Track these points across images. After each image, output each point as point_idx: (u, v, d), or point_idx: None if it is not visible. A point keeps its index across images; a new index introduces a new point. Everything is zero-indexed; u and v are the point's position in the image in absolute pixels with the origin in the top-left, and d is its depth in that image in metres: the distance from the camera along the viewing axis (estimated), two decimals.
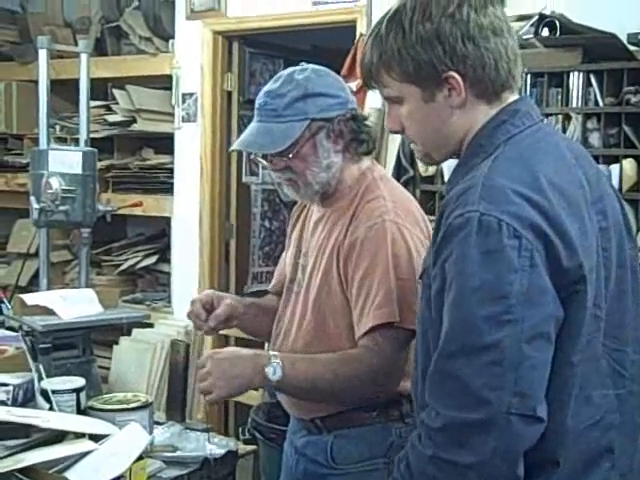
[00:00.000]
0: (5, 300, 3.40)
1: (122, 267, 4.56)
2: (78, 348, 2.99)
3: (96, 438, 1.69)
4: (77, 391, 1.93)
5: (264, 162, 1.86)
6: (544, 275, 1.17)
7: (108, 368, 3.85)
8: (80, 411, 1.92)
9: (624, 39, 2.87)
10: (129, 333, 4.00)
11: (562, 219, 1.19)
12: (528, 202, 1.18)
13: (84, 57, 3.70)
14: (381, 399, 1.79)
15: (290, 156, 1.77)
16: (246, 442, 2.72)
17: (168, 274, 4.49)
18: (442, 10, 1.26)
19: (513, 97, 1.33)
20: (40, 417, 1.71)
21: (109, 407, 1.89)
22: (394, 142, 3.45)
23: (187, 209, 4.21)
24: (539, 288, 1.16)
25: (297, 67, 1.84)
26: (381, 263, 1.70)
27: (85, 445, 1.64)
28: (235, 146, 1.87)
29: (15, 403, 1.85)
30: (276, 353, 1.74)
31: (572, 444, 1.22)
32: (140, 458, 1.65)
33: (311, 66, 1.83)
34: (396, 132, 1.39)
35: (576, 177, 1.28)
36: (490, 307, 1.15)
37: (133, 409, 1.89)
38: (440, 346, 1.19)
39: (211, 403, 1.75)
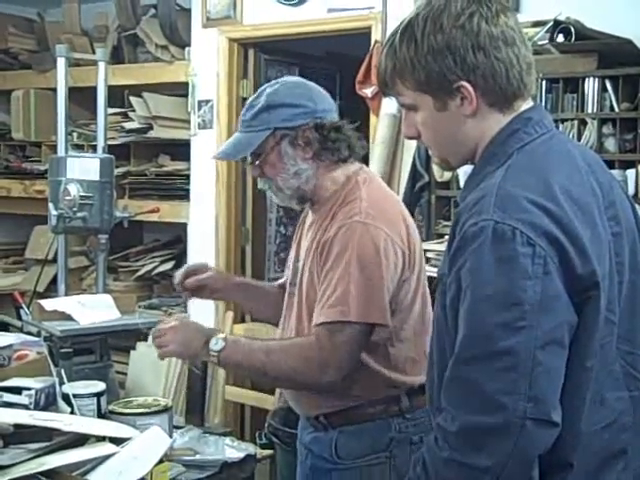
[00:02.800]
0: (24, 306, 3.42)
1: (139, 273, 4.59)
2: (95, 353, 3.02)
3: (117, 441, 1.71)
4: (98, 395, 1.96)
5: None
6: (557, 282, 1.19)
7: (125, 373, 3.87)
8: (101, 415, 1.95)
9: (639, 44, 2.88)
10: (146, 338, 4.02)
11: (575, 226, 1.21)
12: (541, 210, 1.20)
13: (102, 65, 3.74)
14: (380, 395, 1.86)
15: (257, 163, 1.89)
16: (263, 447, 2.73)
17: None
18: (453, 21, 1.28)
19: (526, 105, 1.35)
20: (62, 421, 1.73)
21: (130, 411, 1.91)
22: (409, 148, 3.46)
23: (203, 215, 4.24)
24: (552, 295, 1.18)
25: (274, 81, 1.96)
26: (343, 262, 1.77)
27: (106, 448, 1.66)
28: (213, 155, 2.06)
29: (37, 407, 1.87)
30: (225, 333, 1.88)
31: (586, 446, 1.24)
32: (161, 462, 1.67)
33: (285, 79, 1.98)
34: (412, 138, 1.41)
35: (588, 184, 1.30)
36: (504, 314, 1.17)
37: (153, 413, 1.91)
38: (456, 352, 1.21)
39: (164, 356, 1.91)
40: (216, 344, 1.81)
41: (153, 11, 4.43)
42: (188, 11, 4.27)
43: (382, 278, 1.76)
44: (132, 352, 4.01)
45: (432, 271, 3.27)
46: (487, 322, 1.17)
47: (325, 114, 1.89)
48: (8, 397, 1.84)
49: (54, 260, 4.04)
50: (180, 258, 4.61)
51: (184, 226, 4.42)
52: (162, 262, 4.60)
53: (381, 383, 1.87)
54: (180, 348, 1.85)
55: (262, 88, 1.94)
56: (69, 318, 2.94)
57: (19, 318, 4.12)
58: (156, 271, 4.59)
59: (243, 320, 4.22)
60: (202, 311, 4.30)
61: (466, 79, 1.29)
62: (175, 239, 4.75)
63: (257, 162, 1.90)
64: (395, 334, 1.84)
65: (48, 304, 3.03)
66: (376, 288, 1.76)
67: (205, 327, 1.93)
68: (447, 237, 3.11)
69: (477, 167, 1.35)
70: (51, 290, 4.36)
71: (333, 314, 1.76)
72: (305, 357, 1.79)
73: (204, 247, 4.29)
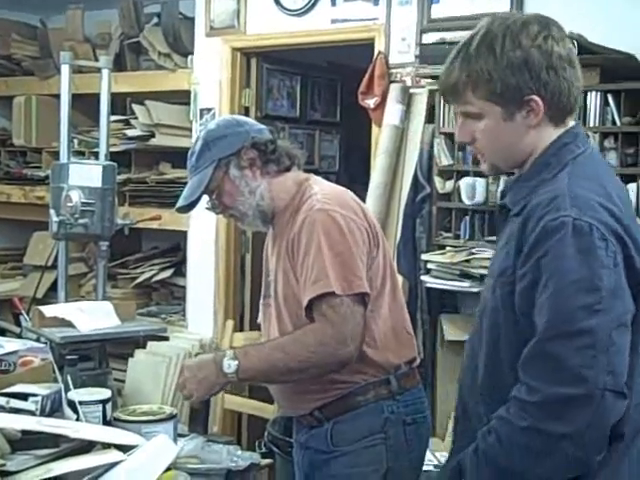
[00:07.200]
0: (23, 312, 3.42)
1: (138, 280, 4.58)
2: (94, 360, 3.02)
3: (123, 449, 1.71)
4: (103, 402, 1.96)
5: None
6: (622, 274, 1.36)
7: (122, 381, 3.87)
8: (106, 422, 1.95)
9: None
10: (144, 346, 4.02)
11: (631, 228, 1.40)
12: (607, 211, 1.38)
13: (105, 73, 3.75)
14: (370, 380, 1.97)
15: (214, 197, 2.06)
16: (262, 455, 2.73)
17: (183, 288, 4.51)
18: (531, 41, 1.44)
19: (572, 122, 1.51)
20: (69, 427, 1.73)
21: (135, 418, 1.92)
22: (411, 159, 3.47)
23: (203, 223, 4.24)
24: (621, 285, 1.36)
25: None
26: (314, 245, 1.90)
27: (113, 456, 1.66)
28: (175, 207, 2.16)
29: (43, 413, 1.87)
30: (231, 350, 1.98)
31: (631, 418, 1.39)
32: (168, 469, 1.67)
33: (215, 119, 2.25)
34: (465, 144, 1.58)
35: (626, 194, 1.53)
36: (586, 298, 1.33)
37: (159, 420, 1.92)
38: (541, 331, 1.35)
39: (193, 406, 2.06)
40: (229, 367, 1.91)
41: (156, 19, 4.44)
42: (191, 20, 4.28)
43: (352, 251, 1.90)
44: (130, 359, 4.01)
45: (433, 282, 3.30)
46: (571, 305, 1.33)
47: (258, 133, 2.08)
48: (15, 403, 1.84)
49: (53, 266, 4.04)
50: (179, 266, 4.61)
51: (184, 234, 4.42)
52: (161, 270, 4.60)
53: (368, 364, 1.98)
54: (203, 390, 1.95)
55: (197, 135, 2.15)
56: (69, 325, 2.94)
57: (17, 324, 4.12)
58: (155, 279, 4.59)
59: (242, 329, 4.23)
60: (201, 321, 4.30)
61: (537, 94, 1.44)
62: (174, 247, 4.75)
63: (214, 197, 2.07)
64: (375, 311, 1.98)
65: (48, 310, 3.02)
66: (349, 260, 1.89)
67: (210, 356, 2.00)
68: (448, 248, 3.14)
69: (528, 174, 1.50)
70: (49, 297, 4.36)
71: (318, 288, 1.87)
72: (321, 337, 1.88)
73: (204, 255, 4.30)
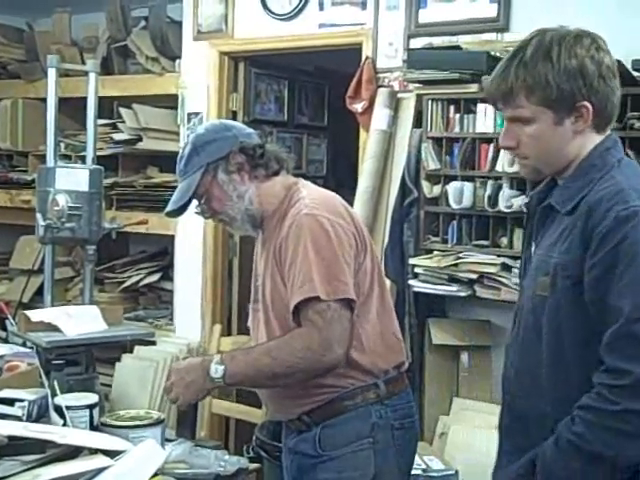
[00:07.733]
0: (9, 316, 3.40)
1: (125, 284, 4.57)
2: (81, 365, 3.00)
3: (110, 454, 1.70)
4: (91, 407, 1.95)
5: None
6: None
7: (110, 385, 3.85)
8: (93, 427, 1.94)
9: (629, 65, 2.92)
10: (131, 350, 4.00)
11: None
12: None
13: (92, 76, 3.74)
14: (358, 384, 1.97)
15: (203, 202, 2.06)
16: (250, 460, 2.72)
17: (170, 292, 4.50)
18: (585, 51, 1.54)
19: (609, 130, 1.61)
20: (56, 433, 1.72)
21: (122, 423, 1.91)
22: (399, 163, 3.48)
23: (191, 227, 4.23)
24: None
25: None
26: (301, 250, 1.90)
27: (100, 461, 1.65)
28: (165, 212, 2.16)
29: (29, 419, 1.86)
30: (219, 354, 1.97)
31: None
32: (155, 475, 1.67)
33: (204, 123, 2.19)
34: (508, 148, 1.63)
35: None
36: None
37: (146, 425, 1.91)
38: (625, 314, 1.42)
39: (180, 409, 2.05)
40: (216, 372, 1.90)
41: (144, 23, 4.44)
42: (179, 24, 4.27)
43: (338, 256, 1.90)
44: (117, 364, 3.99)
45: (420, 286, 3.30)
46: None
47: (247, 138, 2.08)
48: (1, 408, 1.83)
49: (39, 271, 4.02)
50: (166, 270, 4.60)
51: (171, 238, 4.41)
52: (148, 274, 4.59)
53: (356, 369, 1.97)
54: (190, 395, 1.94)
55: (187, 139, 2.14)
56: (55, 329, 2.93)
57: (3, 328, 4.09)
58: (142, 283, 4.58)
59: (230, 333, 4.22)
60: (189, 325, 4.29)
61: (588, 100, 1.54)
62: (162, 251, 4.74)
63: (203, 202, 2.06)
64: (363, 316, 1.97)
65: (34, 315, 3.01)
66: (335, 265, 1.89)
67: (198, 360, 2.00)
68: (436, 253, 3.15)
69: (574, 176, 1.59)
70: (36, 301, 4.33)
71: (303, 292, 1.87)
72: (308, 343, 1.88)
73: (191, 259, 4.29)
